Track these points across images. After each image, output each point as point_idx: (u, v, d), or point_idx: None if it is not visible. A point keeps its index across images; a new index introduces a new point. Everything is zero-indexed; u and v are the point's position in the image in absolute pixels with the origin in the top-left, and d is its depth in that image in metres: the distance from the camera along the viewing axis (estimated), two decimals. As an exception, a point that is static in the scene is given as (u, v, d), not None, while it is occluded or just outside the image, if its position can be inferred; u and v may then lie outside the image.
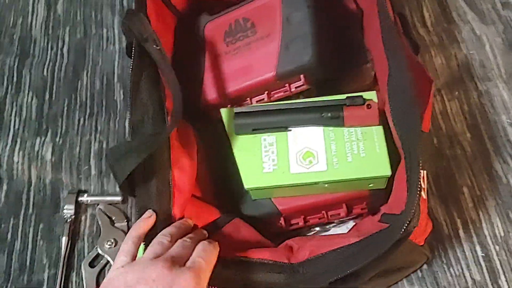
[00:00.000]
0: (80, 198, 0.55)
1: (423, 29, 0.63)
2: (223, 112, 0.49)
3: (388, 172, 0.44)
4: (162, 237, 0.38)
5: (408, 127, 0.39)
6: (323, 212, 0.50)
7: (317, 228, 0.53)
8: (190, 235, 0.40)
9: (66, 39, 0.66)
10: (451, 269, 0.50)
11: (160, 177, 0.41)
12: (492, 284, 0.49)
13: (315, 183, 0.45)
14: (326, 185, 0.46)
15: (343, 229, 0.52)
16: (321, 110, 0.47)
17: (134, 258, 0.37)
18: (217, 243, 0.39)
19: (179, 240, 0.39)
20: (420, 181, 0.35)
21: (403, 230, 0.35)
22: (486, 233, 0.51)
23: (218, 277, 0.38)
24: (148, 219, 0.39)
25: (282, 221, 0.50)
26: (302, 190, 0.47)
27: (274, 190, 0.47)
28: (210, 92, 0.51)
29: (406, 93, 0.39)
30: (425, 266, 0.50)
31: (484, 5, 0.64)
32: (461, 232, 0.52)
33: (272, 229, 0.51)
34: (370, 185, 0.46)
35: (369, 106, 0.45)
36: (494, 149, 0.55)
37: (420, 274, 0.50)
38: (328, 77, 0.51)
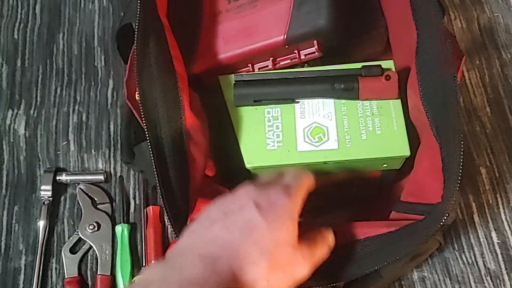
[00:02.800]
0: (58, 177, 0.50)
1: (441, -12, 0.56)
2: (222, 79, 0.44)
3: (407, 152, 0.39)
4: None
5: (444, 110, 0.34)
6: (330, 193, 0.45)
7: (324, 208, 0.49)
8: None
9: (38, -4, 0.59)
10: (463, 256, 0.46)
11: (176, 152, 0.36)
12: (508, 273, 0.45)
13: (325, 162, 0.41)
14: (336, 165, 0.41)
15: (350, 210, 0.48)
16: (333, 81, 0.41)
17: None
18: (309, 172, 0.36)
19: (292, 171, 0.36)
20: (461, 172, 0.31)
21: (441, 223, 0.32)
22: (504, 218, 0.47)
23: None
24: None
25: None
26: (310, 170, 0.42)
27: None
28: (206, 56, 0.45)
29: (441, 70, 0.34)
30: (435, 253, 0.46)
31: (511, -40, 0.57)
32: (476, 216, 0.47)
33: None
34: (384, 165, 0.42)
35: (388, 77, 0.40)
36: (517, 126, 0.49)
37: (430, 261, 0.46)
38: (342, 44, 0.45)
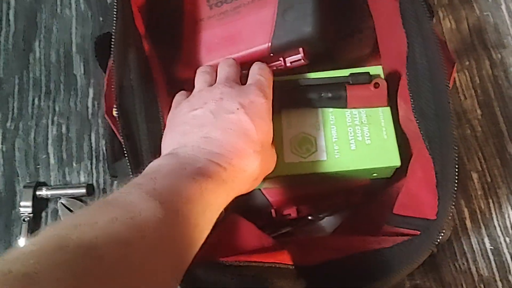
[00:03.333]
0: (38, 192, 0.48)
1: (430, -13, 0.54)
2: None
3: (397, 162, 0.38)
4: (202, 68, 0.39)
5: (436, 123, 0.33)
6: (318, 202, 0.45)
7: (310, 218, 0.48)
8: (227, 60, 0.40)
9: (12, 1, 0.56)
10: (456, 264, 0.45)
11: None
12: (501, 280, 0.44)
13: (313, 174, 0.39)
14: (325, 177, 0.40)
15: (338, 217, 0.47)
16: (320, 89, 0.40)
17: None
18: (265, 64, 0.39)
19: (221, 62, 0.39)
20: (456, 189, 0.30)
21: (437, 242, 0.31)
22: (496, 224, 0.46)
23: (214, 285, 0.33)
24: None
25: (273, 212, 0.45)
26: (297, 181, 0.41)
27: (265, 181, 0.41)
28: (189, 64, 0.44)
29: (433, 81, 0.32)
30: (427, 260, 0.45)
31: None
32: (468, 222, 0.46)
33: (262, 220, 0.45)
34: (374, 175, 0.41)
35: (376, 85, 0.38)
36: (508, 129, 0.48)
37: (422, 269, 0.45)
38: (329, 50, 0.43)
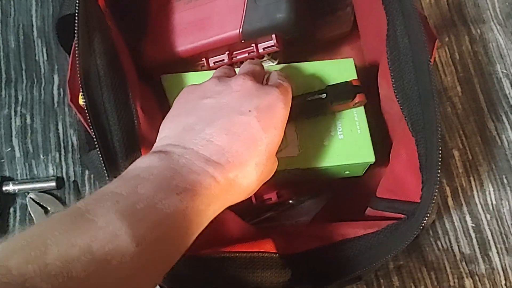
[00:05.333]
0: (4, 188, 0.46)
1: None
2: (165, 79, 0.40)
3: (372, 158, 0.37)
4: (222, 68, 0.35)
5: (419, 104, 0.31)
6: (298, 186, 0.43)
7: (291, 201, 0.47)
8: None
9: (-37, -19, 0.52)
10: (438, 242, 0.45)
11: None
12: (482, 257, 0.45)
13: (284, 170, 0.38)
14: (297, 173, 0.38)
15: (320, 200, 0.47)
16: (301, 110, 0.38)
17: None
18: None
19: (245, 62, 0.35)
20: (440, 172, 0.29)
21: (422, 226, 0.30)
22: (477, 201, 0.46)
23: (196, 280, 0.32)
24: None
25: (252, 198, 0.43)
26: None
27: None
28: (156, 49, 0.41)
29: (415, 60, 0.31)
30: (410, 239, 0.45)
31: None
32: (450, 200, 0.46)
33: (242, 206, 0.44)
34: (347, 172, 0.40)
35: (356, 104, 0.38)
36: (488, 106, 0.48)
37: (405, 249, 0.45)
38: (304, 34, 0.41)
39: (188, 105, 0.32)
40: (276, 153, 0.35)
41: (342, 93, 0.37)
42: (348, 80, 0.38)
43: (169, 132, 0.31)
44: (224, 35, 0.38)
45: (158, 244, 0.24)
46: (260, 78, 0.34)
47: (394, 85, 0.33)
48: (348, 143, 0.37)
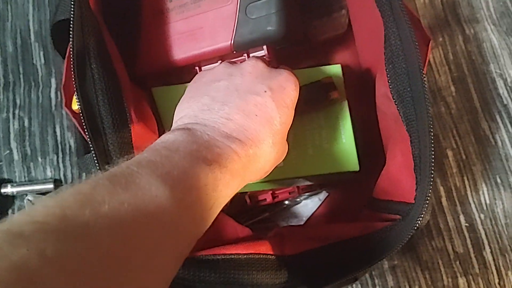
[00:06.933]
0: (3, 190, 0.46)
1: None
2: (156, 92, 0.40)
3: (356, 167, 0.38)
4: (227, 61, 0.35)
5: (412, 106, 0.32)
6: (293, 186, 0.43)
7: (287, 202, 0.47)
8: None
9: (-40, -13, 0.53)
10: (432, 242, 0.46)
11: None
12: (475, 256, 0.45)
13: (270, 181, 0.38)
14: (282, 182, 0.39)
15: (316, 201, 0.47)
16: None
17: None
18: None
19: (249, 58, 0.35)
20: (433, 172, 0.29)
21: (416, 227, 0.30)
22: (471, 200, 0.46)
23: (191, 282, 0.32)
24: None
25: (247, 199, 0.44)
26: (253, 186, 0.40)
27: None
28: (149, 59, 0.42)
29: (407, 63, 0.31)
30: (405, 239, 0.45)
31: None
32: (444, 200, 0.47)
33: (237, 208, 0.45)
34: (333, 178, 0.40)
35: (332, 102, 0.38)
36: (481, 105, 0.48)
37: (400, 249, 0.45)
38: (295, 44, 0.41)
39: (202, 88, 0.32)
40: None
41: (313, 93, 0.37)
42: (319, 79, 0.38)
43: (187, 111, 0.31)
44: (216, 47, 0.39)
45: (192, 209, 0.25)
46: (268, 63, 0.34)
47: (390, 86, 0.33)
48: (333, 152, 0.38)
